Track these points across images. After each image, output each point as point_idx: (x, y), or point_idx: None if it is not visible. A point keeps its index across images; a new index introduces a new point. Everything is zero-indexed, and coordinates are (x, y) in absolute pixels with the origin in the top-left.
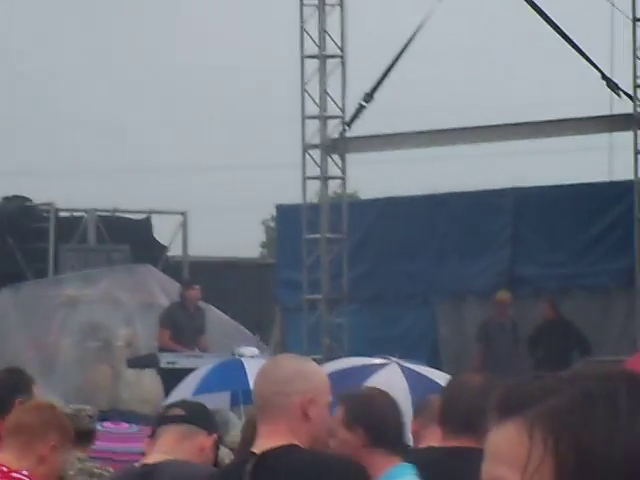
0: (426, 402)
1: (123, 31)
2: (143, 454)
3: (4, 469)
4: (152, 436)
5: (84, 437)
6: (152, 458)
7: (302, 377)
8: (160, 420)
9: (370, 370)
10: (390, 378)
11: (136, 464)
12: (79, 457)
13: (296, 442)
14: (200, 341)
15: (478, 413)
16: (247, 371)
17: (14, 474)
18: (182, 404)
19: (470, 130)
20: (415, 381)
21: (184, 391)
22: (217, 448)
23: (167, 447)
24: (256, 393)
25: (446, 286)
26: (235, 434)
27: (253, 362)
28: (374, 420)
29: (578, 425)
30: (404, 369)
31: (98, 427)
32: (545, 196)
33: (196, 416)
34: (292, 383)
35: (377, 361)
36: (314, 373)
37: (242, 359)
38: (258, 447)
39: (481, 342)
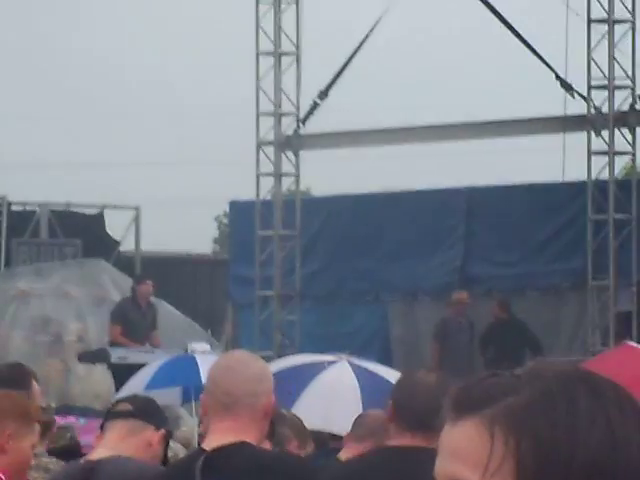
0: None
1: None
2: (91, 447)
3: None
4: (101, 431)
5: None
6: (96, 454)
7: (267, 377)
8: (108, 415)
9: (320, 367)
10: (340, 375)
11: (80, 460)
12: (35, 452)
13: (249, 439)
14: (152, 336)
15: (432, 411)
16: (199, 367)
17: None
18: (130, 399)
19: (423, 129)
20: (366, 379)
21: (135, 386)
22: (166, 443)
23: (112, 442)
24: (221, 390)
25: (398, 284)
26: (186, 429)
27: (205, 358)
28: None
29: (539, 425)
30: (354, 367)
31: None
32: (498, 195)
33: (143, 411)
34: (261, 384)
35: (327, 358)
36: (269, 373)
37: (195, 355)
38: (209, 443)
39: (438, 340)
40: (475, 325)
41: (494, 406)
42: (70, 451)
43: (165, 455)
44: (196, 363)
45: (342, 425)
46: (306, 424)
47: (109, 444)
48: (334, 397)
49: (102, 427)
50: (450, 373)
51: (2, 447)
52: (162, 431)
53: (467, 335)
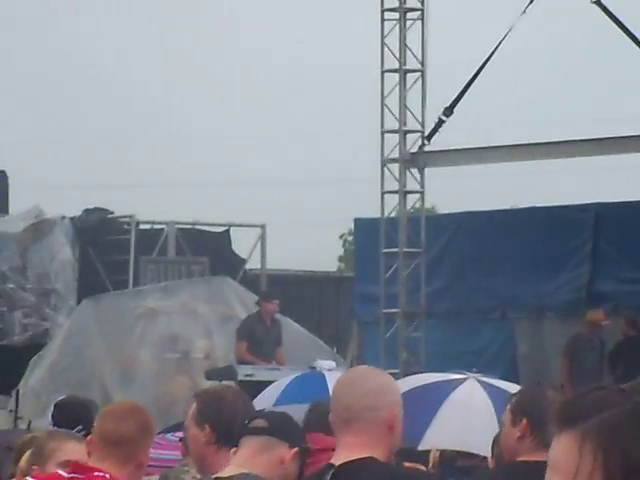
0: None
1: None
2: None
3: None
4: (234, 448)
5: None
6: (227, 470)
7: (390, 391)
8: (242, 431)
9: (451, 386)
10: (472, 393)
11: (212, 476)
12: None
13: (375, 455)
14: (277, 353)
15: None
16: (328, 384)
17: None
18: (265, 415)
19: (551, 145)
20: (497, 396)
21: (264, 402)
22: (303, 461)
23: (244, 459)
24: (342, 405)
25: (525, 301)
26: None
27: (334, 375)
28: (222, 418)
29: (627, 441)
30: (483, 384)
31: (169, 437)
32: (626, 211)
33: (278, 428)
34: (381, 397)
35: (453, 376)
36: (395, 386)
37: (324, 372)
38: (337, 459)
39: (567, 356)
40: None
41: (589, 420)
42: None
43: (301, 473)
44: (325, 380)
45: (479, 443)
46: (444, 444)
47: (240, 461)
48: (469, 415)
49: (237, 444)
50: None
51: (142, 464)
52: (296, 448)
53: (597, 354)
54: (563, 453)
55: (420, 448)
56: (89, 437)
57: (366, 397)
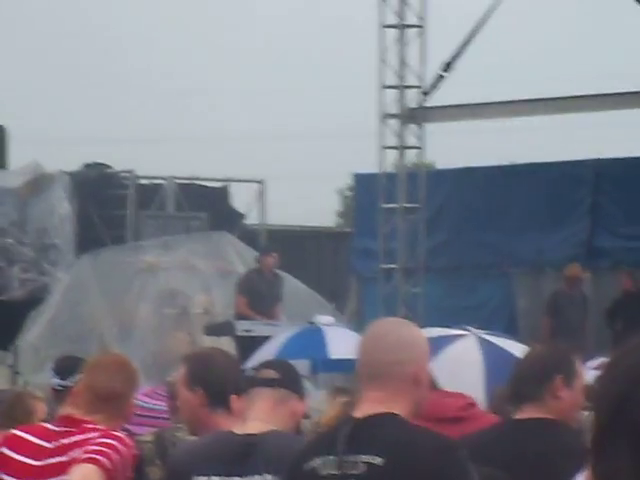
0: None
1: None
2: None
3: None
4: (240, 395)
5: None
6: (253, 426)
7: (417, 344)
8: (254, 381)
9: (446, 340)
10: (465, 349)
11: (235, 431)
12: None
13: (397, 410)
14: (276, 309)
15: (528, 382)
16: (327, 340)
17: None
18: (274, 365)
19: (549, 101)
20: (491, 353)
21: (264, 357)
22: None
23: (264, 413)
24: (368, 361)
25: (524, 257)
26: (311, 403)
27: (333, 331)
28: (213, 381)
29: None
30: (482, 341)
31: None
32: (626, 168)
33: (289, 379)
34: (407, 351)
35: (455, 332)
36: (422, 339)
37: (322, 328)
38: (359, 412)
39: (549, 314)
40: (599, 298)
41: None
42: None
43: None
44: (323, 335)
45: None
46: None
47: (261, 415)
48: (457, 371)
49: (243, 392)
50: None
51: (129, 416)
52: (305, 401)
53: (579, 309)
54: None
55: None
56: (75, 389)
57: (393, 352)
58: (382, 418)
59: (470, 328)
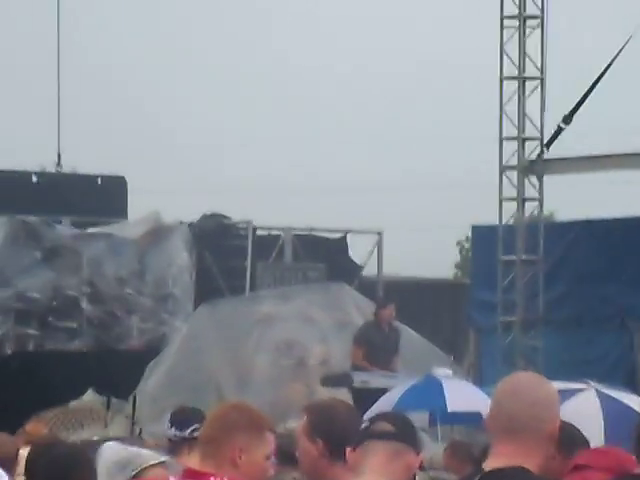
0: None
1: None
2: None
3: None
4: (354, 449)
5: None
6: (366, 478)
7: (555, 402)
8: (367, 433)
9: (566, 394)
10: (585, 403)
11: None
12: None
13: (528, 465)
14: (393, 361)
15: None
16: (445, 392)
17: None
18: (389, 418)
19: None
20: (611, 408)
21: (383, 408)
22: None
23: (378, 467)
24: (506, 415)
25: None
26: (429, 455)
27: (451, 383)
28: (335, 432)
29: None
30: (601, 395)
31: None
32: None
33: (405, 433)
34: (549, 409)
35: (574, 386)
36: (557, 396)
37: (441, 380)
38: (489, 465)
39: None
40: None
41: None
42: None
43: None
44: (442, 388)
45: None
46: None
47: (374, 468)
48: (575, 423)
49: (357, 445)
50: None
51: (234, 461)
52: (421, 455)
53: None
54: None
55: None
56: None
57: (533, 408)
58: (512, 472)
59: (589, 382)
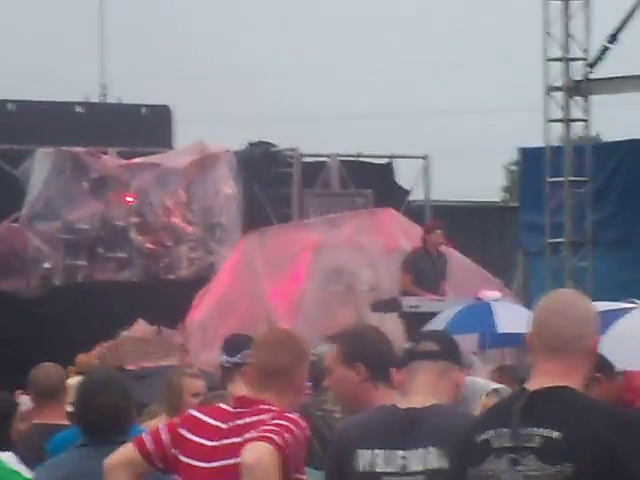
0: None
1: None
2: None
3: (273, 409)
4: (401, 369)
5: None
6: (416, 400)
7: (594, 317)
8: (413, 354)
9: (616, 314)
10: (637, 323)
11: (399, 405)
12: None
13: (572, 384)
14: (441, 286)
15: None
16: (495, 314)
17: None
18: (434, 337)
19: None
20: None
21: None
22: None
23: (426, 387)
24: (551, 333)
25: None
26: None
27: (501, 305)
28: (373, 355)
29: None
30: None
31: None
32: None
33: (450, 351)
34: (589, 324)
35: (624, 305)
36: (596, 312)
37: (490, 302)
38: (533, 385)
39: None
40: None
41: None
42: None
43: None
44: (492, 310)
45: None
46: None
47: (423, 389)
48: (629, 347)
49: (403, 365)
50: None
51: (300, 389)
52: (465, 370)
53: None
54: None
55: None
56: (244, 368)
57: (577, 326)
58: (559, 391)
59: (638, 301)
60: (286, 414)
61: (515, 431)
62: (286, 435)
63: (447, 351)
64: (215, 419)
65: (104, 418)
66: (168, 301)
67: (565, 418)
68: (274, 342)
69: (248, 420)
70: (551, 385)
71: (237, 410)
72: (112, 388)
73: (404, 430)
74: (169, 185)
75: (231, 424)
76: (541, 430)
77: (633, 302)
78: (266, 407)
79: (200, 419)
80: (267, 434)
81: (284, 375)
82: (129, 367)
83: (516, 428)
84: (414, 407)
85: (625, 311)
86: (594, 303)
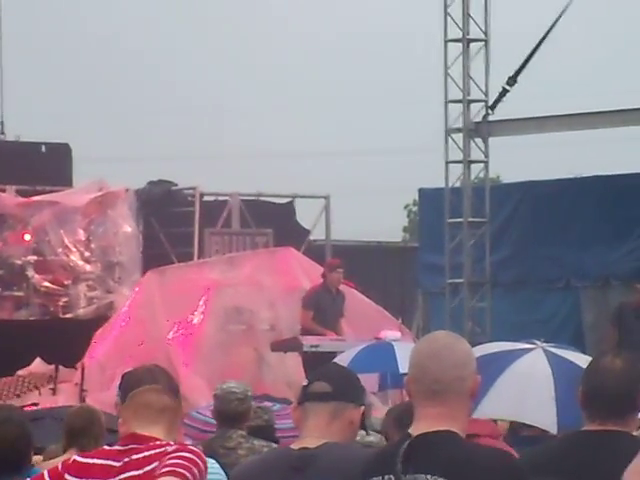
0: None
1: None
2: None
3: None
4: (299, 406)
5: (237, 418)
6: (307, 442)
7: (472, 359)
8: (307, 396)
9: (515, 355)
10: (534, 363)
11: (292, 446)
12: (243, 434)
13: (455, 428)
14: (340, 324)
15: (621, 398)
16: (397, 355)
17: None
18: (326, 376)
19: (614, 113)
20: (560, 367)
21: None
22: (364, 417)
23: (318, 430)
24: (430, 377)
25: (590, 271)
26: (377, 417)
27: (402, 346)
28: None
29: None
30: (549, 354)
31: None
32: None
33: (342, 390)
34: (468, 366)
35: (522, 346)
36: (473, 353)
37: (392, 343)
38: (416, 429)
39: (614, 326)
40: None
41: None
42: (265, 432)
43: (362, 425)
44: (394, 351)
45: (535, 415)
46: (498, 414)
47: (315, 432)
48: (527, 386)
49: (300, 403)
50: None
51: (179, 427)
52: (362, 407)
53: None
54: None
55: (474, 417)
56: (119, 403)
57: (455, 368)
58: (441, 436)
59: (537, 342)
60: (190, 447)
61: (398, 477)
62: (194, 469)
63: (340, 391)
64: (104, 459)
65: (1, 451)
66: (66, 340)
67: (449, 464)
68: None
69: (146, 454)
70: (433, 430)
71: (129, 447)
72: (13, 423)
73: (298, 470)
74: (68, 223)
75: (126, 459)
76: (424, 476)
77: (531, 342)
78: (164, 442)
79: (86, 463)
80: (177, 469)
81: (170, 411)
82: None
83: (399, 474)
84: (306, 447)
85: (523, 351)
86: (493, 344)
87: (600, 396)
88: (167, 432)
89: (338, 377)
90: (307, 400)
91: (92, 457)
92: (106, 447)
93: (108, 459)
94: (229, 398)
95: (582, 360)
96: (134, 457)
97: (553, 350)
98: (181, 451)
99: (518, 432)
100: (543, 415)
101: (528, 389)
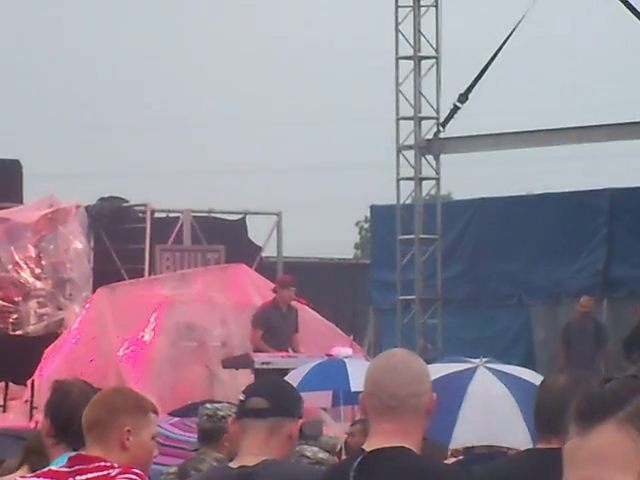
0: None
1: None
2: None
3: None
4: (236, 421)
5: (206, 436)
6: (246, 460)
7: (428, 376)
8: (244, 412)
9: (465, 377)
10: (487, 384)
11: (231, 464)
12: (217, 457)
13: (409, 444)
14: (292, 340)
15: (559, 415)
16: (348, 372)
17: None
18: (263, 391)
19: (565, 131)
20: (512, 384)
21: None
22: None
23: (256, 447)
24: (386, 393)
25: (541, 287)
26: (329, 436)
27: (354, 363)
28: (63, 413)
29: None
30: (493, 371)
31: (187, 422)
32: None
33: (279, 405)
34: (423, 383)
35: (464, 366)
36: (427, 369)
37: (344, 360)
38: (370, 445)
39: (563, 345)
40: (615, 327)
41: (626, 407)
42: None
43: (300, 435)
44: (346, 368)
45: (506, 435)
46: (474, 440)
47: (254, 450)
48: (491, 408)
49: (238, 418)
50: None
51: (122, 444)
52: (300, 420)
53: (591, 339)
54: (610, 445)
55: (451, 447)
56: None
57: (411, 384)
58: (394, 452)
59: (473, 360)
60: (133, 470)
61: None
62: None
63: (277, 406)
64: (50, 479)
65: None
66: (16, 357)
67: (403, 478)
68: (95, 398)
69: (91, 476)
70: (387, 445)
71: (75, 468)
72: None
73: None
74: (19, 240)
75: None
76: None
77: (468, 361)
78: (109, 464)
79: None
80: None
81: (98, 428)
82: None
83: None
84: (246, 465)
85: (468, 373)
86: (437, 365)
87: (540, 414)
88: (103, 451)
89: (275, 391)
90: (245, 416)
91: (39, 477)
92: (53, 468)
93: (54, 479)
94: (201, 413)
95: (527, 375)
96: (78, 478)
97: (493, 367)
98: (125, 473)
99: (471, 450)
100: (516, 435)
101: (493, 412)
